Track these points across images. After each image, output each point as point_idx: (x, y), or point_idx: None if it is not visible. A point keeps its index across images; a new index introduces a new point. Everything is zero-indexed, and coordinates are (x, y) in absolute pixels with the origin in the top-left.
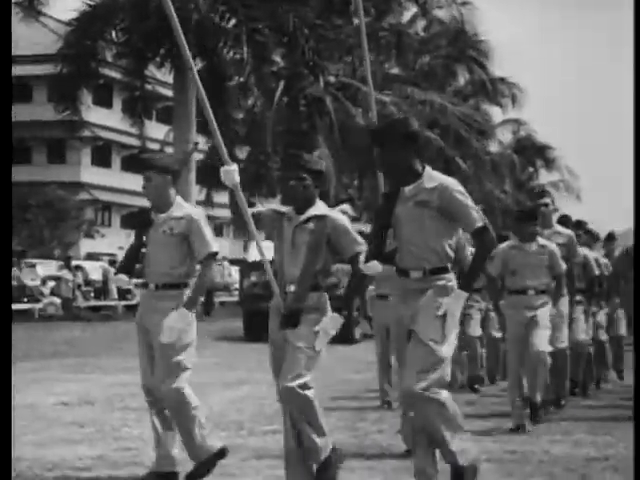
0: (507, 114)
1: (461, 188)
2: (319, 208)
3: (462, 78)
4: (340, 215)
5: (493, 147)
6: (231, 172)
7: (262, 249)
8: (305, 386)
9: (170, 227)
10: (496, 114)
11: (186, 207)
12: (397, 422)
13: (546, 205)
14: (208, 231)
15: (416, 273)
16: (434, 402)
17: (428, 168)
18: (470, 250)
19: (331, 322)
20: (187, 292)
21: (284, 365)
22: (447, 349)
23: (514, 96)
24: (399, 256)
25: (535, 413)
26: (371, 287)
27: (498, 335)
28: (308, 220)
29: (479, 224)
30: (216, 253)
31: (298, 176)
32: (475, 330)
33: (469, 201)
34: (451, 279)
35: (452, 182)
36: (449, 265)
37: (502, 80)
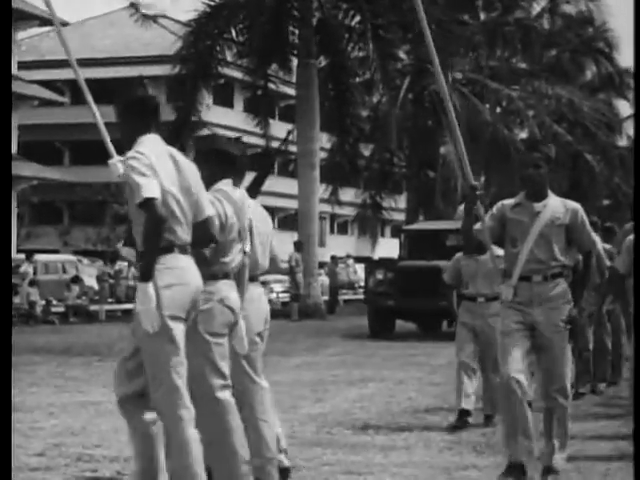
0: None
1: (132, 160)
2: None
3: (589, 71)
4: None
5: (621, 141)
6: (112, 165)
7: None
8: None
9: None
10: (625, 107)
11: None
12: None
13: None
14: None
15: None
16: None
17: (143, 137)
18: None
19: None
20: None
21: None
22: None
23: None
24: None
25: None
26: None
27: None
28: None
29: (138, 199)
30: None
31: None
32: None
33: (132, 171)
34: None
35: (132, 149)
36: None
37: (629, 72)
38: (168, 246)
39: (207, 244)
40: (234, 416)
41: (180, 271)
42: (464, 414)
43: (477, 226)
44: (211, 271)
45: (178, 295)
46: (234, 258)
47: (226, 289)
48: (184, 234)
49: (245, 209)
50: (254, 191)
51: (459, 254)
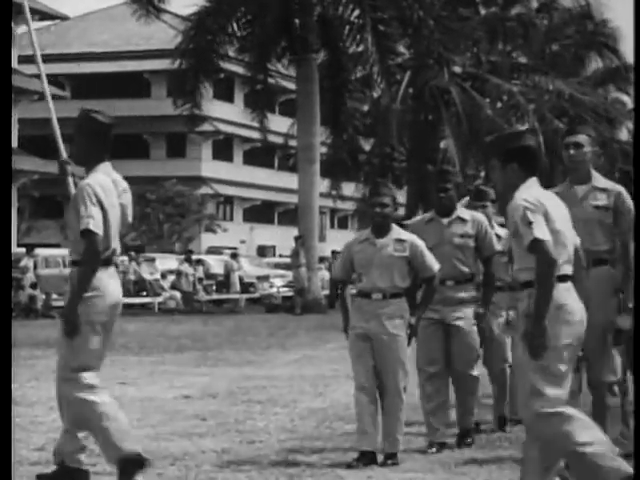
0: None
1: None
2: None
3: (591, 65)
4: None
5: (623, 135)
6: None
7: None
8: None
9: None
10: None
11: None
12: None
13: (576, 146)
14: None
15: None
16: None
17: None
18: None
19: None
20: None
21: None
22: None
23: None
24: None
25: None
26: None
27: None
28: None
29: None
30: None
31: None
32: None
33: None
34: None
35: None
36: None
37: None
38: None
39: None
40: None
41: None
42: (365, 456)
43: None
44: None
45: None
46: None
47: None
48: None
49: None
50: None
51: (353, 238)
